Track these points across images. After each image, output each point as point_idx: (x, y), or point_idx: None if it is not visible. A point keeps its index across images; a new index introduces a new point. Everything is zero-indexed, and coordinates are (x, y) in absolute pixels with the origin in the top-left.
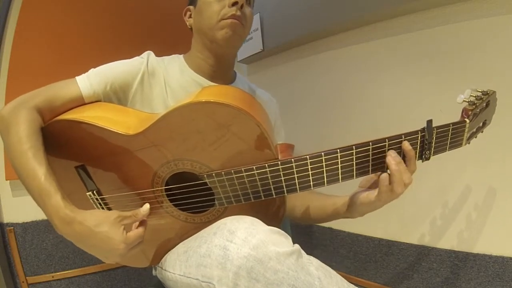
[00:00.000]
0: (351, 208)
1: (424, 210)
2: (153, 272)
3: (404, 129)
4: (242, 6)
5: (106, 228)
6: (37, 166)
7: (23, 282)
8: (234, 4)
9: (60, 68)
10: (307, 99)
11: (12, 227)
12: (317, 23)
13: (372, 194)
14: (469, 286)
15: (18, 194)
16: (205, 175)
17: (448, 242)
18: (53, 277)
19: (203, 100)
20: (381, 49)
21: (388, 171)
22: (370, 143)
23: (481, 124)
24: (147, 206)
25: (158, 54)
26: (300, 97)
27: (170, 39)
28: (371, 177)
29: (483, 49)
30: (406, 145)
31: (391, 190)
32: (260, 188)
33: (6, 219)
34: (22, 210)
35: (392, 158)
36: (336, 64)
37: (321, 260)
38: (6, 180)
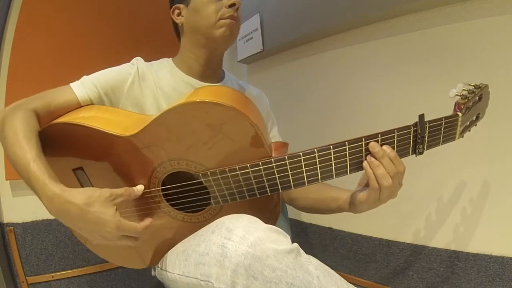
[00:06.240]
0: (353, 206)
1: (424, 210)
2: (152, 272)
3: None
4: (237, 8)
5: (97, 208)
6: (28, 152)
7: (23, 282)
8: (231, 5)
9: (59, 68)
10: (307, 99)
11: (12, 227)
12: (317, 23)
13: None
14: (469, 286)
15: (18, 194)
16: (200, 174)
17: (448, 242)
18: (53, 277)
19: (197, 100)
20: (381, 49)
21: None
22: (363, 138)
23: (474, 117)
24: (141, 186)
25: (147, 59)
26: (300, 97)
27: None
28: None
29: (483, 49)
30: (385, 147)
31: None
32: (255, 186)
33: (6, 219)
34: (22, 210)
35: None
36: (336, 64)
37: (321, 260)
38: (6, 180)
